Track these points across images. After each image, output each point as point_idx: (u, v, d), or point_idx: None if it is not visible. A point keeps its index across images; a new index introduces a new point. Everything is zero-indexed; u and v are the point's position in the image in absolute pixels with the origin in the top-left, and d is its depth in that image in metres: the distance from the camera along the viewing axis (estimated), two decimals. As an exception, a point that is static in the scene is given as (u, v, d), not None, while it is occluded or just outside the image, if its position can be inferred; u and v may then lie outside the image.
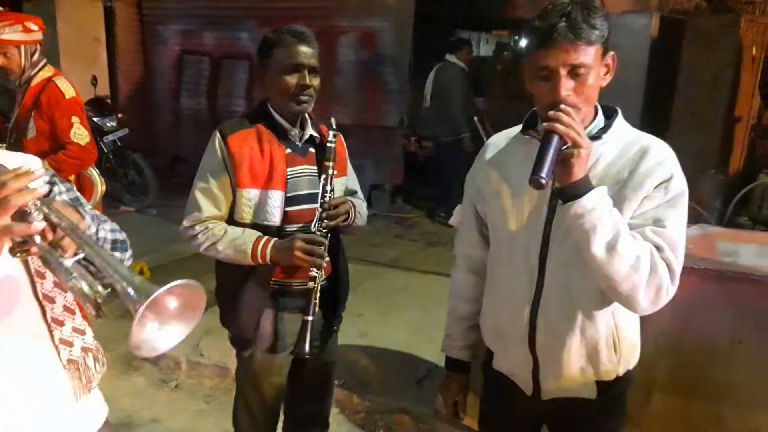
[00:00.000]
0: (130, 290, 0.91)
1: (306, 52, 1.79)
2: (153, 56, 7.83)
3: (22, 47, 2.97)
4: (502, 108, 5.77)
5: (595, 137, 1.37)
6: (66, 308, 1.30)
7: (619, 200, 1.32)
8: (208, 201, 1.83)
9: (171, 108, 7.82)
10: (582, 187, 1.25)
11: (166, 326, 0.98)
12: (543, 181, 1.20)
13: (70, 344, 1.30)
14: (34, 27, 3.01)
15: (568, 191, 1.27)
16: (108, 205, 5.77)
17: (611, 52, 1.34)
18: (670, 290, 1.32)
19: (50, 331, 1.27)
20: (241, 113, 1.97)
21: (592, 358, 1.44)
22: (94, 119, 6.27)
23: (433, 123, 6.34)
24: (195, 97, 7.67)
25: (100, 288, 1.01)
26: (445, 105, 6.08)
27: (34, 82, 3.00)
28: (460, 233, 1.70)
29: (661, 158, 1.34)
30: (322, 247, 1.78)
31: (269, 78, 1.83)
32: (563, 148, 1.23)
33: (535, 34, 1.29)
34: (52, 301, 1.27)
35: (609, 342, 1.43)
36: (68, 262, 1.02)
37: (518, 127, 1.52)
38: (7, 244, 1.02)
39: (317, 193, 1.85)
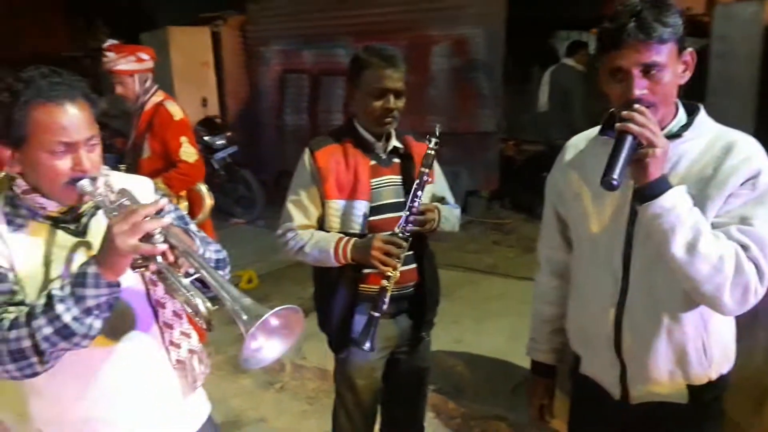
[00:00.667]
0: (242, 313, 1.04)
1: (392, 76, 1.86)
2: (257, 76, 8.25)
3: (136, 76, 3.28)
4: (603, 108, 5.57)
5: (675, 135, 1.34)
6: (175, 313, 1.44)
7: (702, 199, 1.29)
8: (299, 212, 1.95)
9: (275, 125, 8.20)
10: (659, 187, 1.24)
11: (269, 341, 1.11)
12: (614, 183, 1.20)
13: (178, 346, 1.44)
14: (145, 57, 3.32)
15: (645, 191, 1.25)
16: (219, 218, 6.16)
17: (689, 49, 1.31)
18: (758, 291, 1.26)
19: (162, 334, 1.42)
20: (329, 129, 2.08)
21: (681, 361, 1.40)
22: (205, 138, 6.73)
23: (547, 126, 6.26)
24: (297, 114, 7.99)
25: (209, 305, 1.15)
26: (562, 108, 5.98)
27: (147, 107, 3.31)
28: (541, 236, 1.70)
29: (748, 154, 1.29)
30: (401, 250, 1.82)
31: (357, 96, 1.93)
32: (638, 147, 1.22)
33: (606, 35, 1.29)
34: (163, 306, 1.42)
35: (698, 345, 1.39)
36: (185, 280, 1.16)
37: (597, 128, 1.51)
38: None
39: (401, 202, 1.91)
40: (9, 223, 1.26)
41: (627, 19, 1.25)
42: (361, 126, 1.97)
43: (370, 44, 1.95)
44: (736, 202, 1.29)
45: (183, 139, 3.27)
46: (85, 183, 1.22)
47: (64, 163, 1.22)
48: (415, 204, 1.85)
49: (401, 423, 2.25)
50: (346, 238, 1.89)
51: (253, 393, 3.47)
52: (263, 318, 1.03)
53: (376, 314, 1.85)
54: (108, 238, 1.11)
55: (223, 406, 3.21)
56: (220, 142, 6.91)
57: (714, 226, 1.28)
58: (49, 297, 1.13)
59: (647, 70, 1.26)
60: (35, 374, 1.17)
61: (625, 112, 1.24)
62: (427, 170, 1.87)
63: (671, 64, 1.28)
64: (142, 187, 1.44)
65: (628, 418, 1.52)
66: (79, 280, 1.13)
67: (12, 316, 1.16)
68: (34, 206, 1.27)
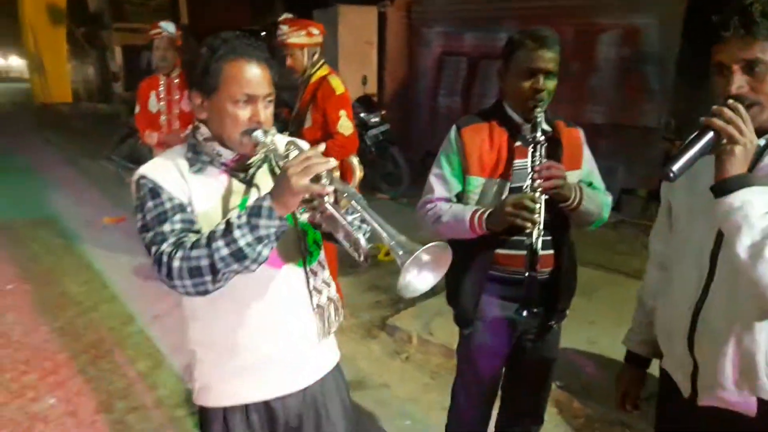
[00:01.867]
0: (399, 249, 1.18)
1: (544, 56, 1.83)
2: (417, 57, 8.40)
3: (306, 49, 3.51)
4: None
5: None
6: (319, 262, 1.58)
7: None
8: (440, 185, 2.00)
9: (429, 106, 8.32)
10: (732, 184, 1.19)
11: (421, 274, 1.24)
12: (671, 175, 1.20)
13: (319, 292, 1.58)
14: (315, 31, 3.53)
15: (717, 187, 1.21)
16: (365, 192, 6.36)
17: None
18: None
19: (307, 279, 1.56)
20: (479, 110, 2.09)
21: (747, 371, 1.33)
22: (361, 115, 7.01)
23: None
24: (451, 96, 8.04)
25: (367, 241, 1.29)
26: None
27: (312, 80, 3.53)
28: (654, 228, 1.68)
29: None
30: (534, 204, 1.75)
31: (508, 78, 1.93)
32: (719, 143, 1.20)
33: (711, 27, 1.25)
34: (311, 253, 1.55)
35: None
36: (348, 217, 1.30)
37: None
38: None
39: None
40: (191, 165, 1.45)
41: (733, 12, 1.21)
42: (509, 107, 1.96)
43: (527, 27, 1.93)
44: None
45: (341, 112, 3.45)
46: (259, 133, 1.39)
47: (244, 113, 1.39)
48: (535, 163, 1.80)
49: (520, 410, 2.24)
50: (483, 209, 1.89)
51: (380, 359, 3.62)
52: (417, 252, 1.16)
53: (530, 274, 1.87)
54: (283, 178, 1.26)
55: (352, 366, 3.39)
56: (374, 119, 7.17)
57: None
58: (228, 223, 1.30)
59: (750, 66, 1.22)
60: (207, 292, 1.33)
61: (715, 107, 1.22)
62: (535, 134, 1.83)
63: None
64: (302, 147, 1.58)
65: (696, 420, 1.47)
66: (254, 211, 1.28)
67: (194, 238, 1.33)
68: (212, 153, 1.45)
